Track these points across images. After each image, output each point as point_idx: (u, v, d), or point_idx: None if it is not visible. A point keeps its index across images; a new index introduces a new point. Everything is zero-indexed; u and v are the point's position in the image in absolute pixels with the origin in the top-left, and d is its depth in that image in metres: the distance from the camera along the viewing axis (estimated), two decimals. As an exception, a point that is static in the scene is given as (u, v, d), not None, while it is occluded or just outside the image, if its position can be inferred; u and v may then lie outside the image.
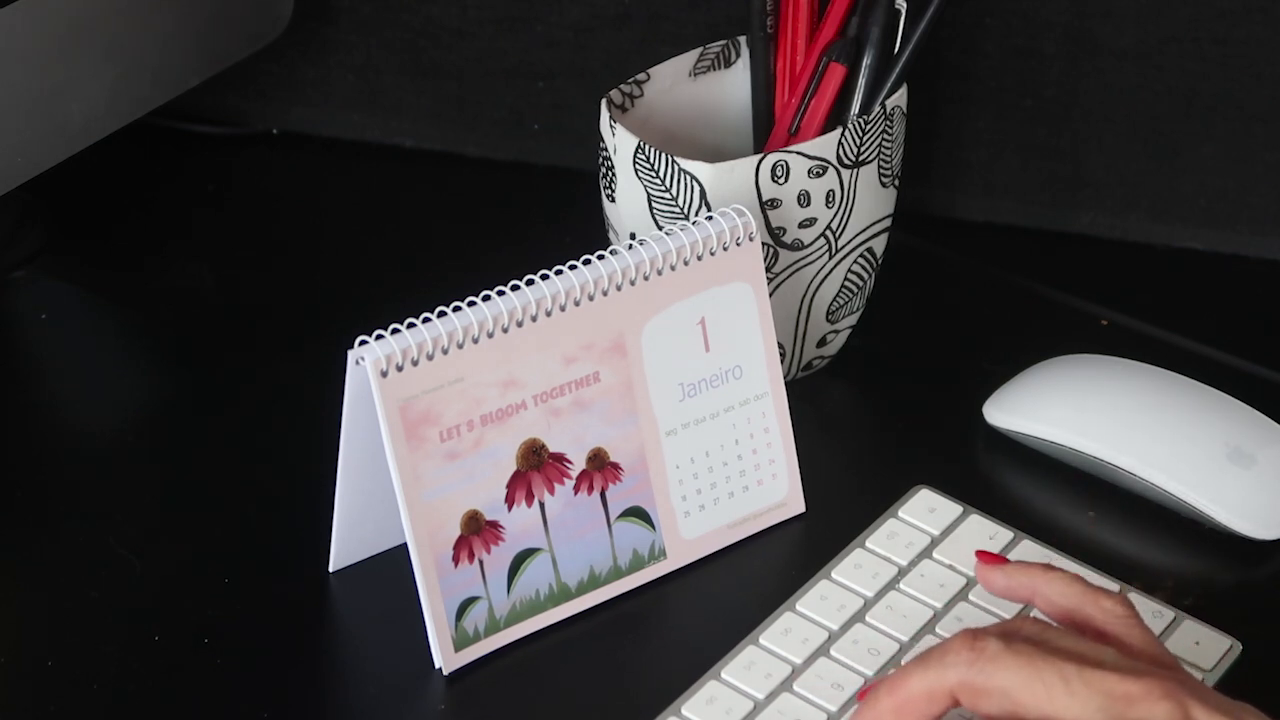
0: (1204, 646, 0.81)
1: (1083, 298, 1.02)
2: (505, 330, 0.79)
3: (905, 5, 0.92)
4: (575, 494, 0.82)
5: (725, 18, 1.05)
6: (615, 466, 0.83)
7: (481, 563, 0.80)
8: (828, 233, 0.90)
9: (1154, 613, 0.82)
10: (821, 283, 0.91)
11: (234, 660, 0.81)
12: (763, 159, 0.87)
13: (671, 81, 0.94)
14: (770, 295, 0.87)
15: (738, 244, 0.84)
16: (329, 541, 0.84)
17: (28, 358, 0.99)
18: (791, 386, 0.91)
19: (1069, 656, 0.69)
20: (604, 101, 0.91)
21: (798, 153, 0.88)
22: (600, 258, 0.82)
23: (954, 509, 0.86)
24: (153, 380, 0.98)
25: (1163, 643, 0.75)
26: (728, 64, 0.95)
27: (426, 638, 0.80)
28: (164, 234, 1.06)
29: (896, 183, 0.92)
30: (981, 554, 0.77)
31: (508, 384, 0.80)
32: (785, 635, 0.80)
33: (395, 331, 0.78)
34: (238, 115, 1.13)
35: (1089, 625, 0.73)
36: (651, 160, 0.88)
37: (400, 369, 0.77)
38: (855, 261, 0.92)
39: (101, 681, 0.80)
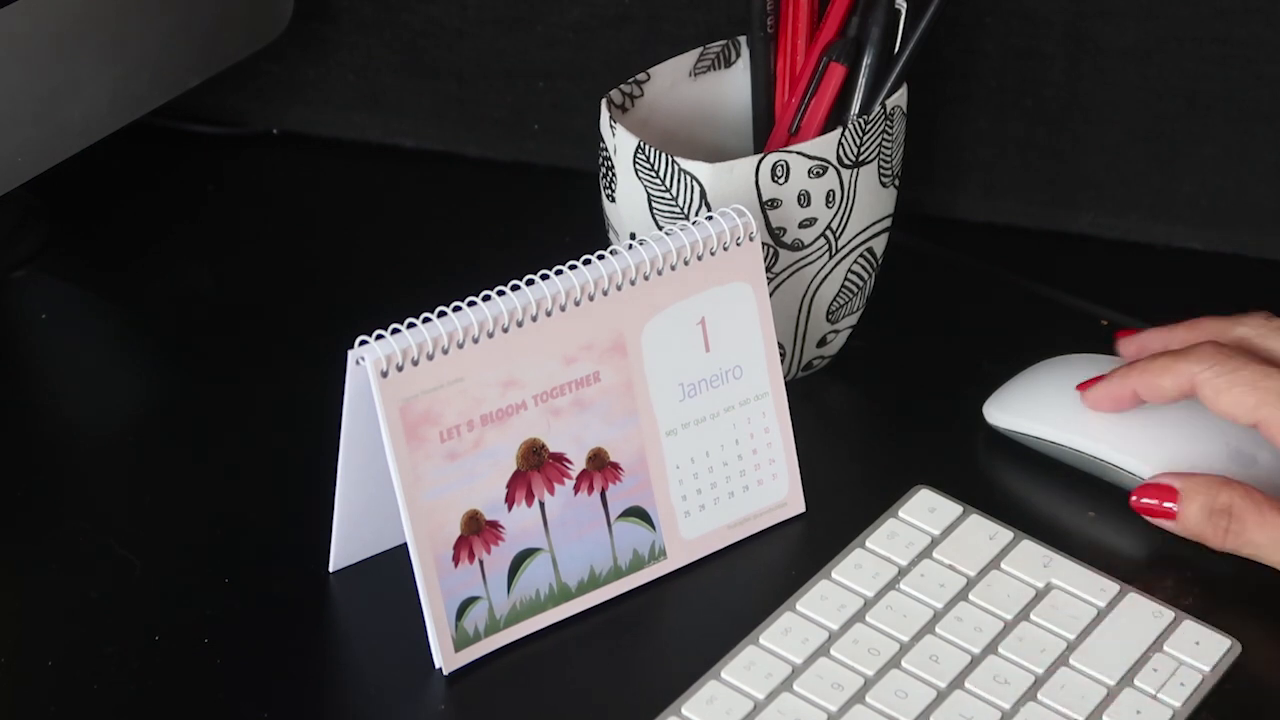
0: (1204, 646, 0.81)
1: (1083, 298, 1.01)
2: (505, 330, 0.79)
3: (905, 5, 0.92)
4: (575, 494, 0.82)
5: (725, 18, 1.05)
6: (615, 466, 0.83)
7: (481, 563, 0.80)
8: (828, 233, 0.90)
9: (1154, 613, 0.82)
10: (822, 283, 0.91)
11: (234, 660, 0.81)
12: (763, 159, 0.87)
13: (671, 81, 0.94)
14: (770, 295, 0.87)
15: (738, 244, 0.84)
16: (329, 541, 0.84)
17: (28, 358, 0.99)
18: (791, 386, 0.91)
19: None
20: (604, 101, 0.91)
21: (798, 153, 0.88)
22: (600, 258, 0.82)
23: (954, 509, 0.86)
24: (153, 380, 0.98)
25: None
26: (728, 64, 0.95)
27: (426, 638, 0.80)
28: (164, 234, 1.06)
29: (896, 183, 0.92)
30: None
31: (508, 384, 0.80)
32: (785, 635, 0.80)
33: (395, 331, 0.78)
34: (237, 115, 1.13)
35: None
36: (651, 160, 0.88)
37: (400, 369, 0.77)
38: (855, 261, 0.92)
39: (101, 681, 0.80)
